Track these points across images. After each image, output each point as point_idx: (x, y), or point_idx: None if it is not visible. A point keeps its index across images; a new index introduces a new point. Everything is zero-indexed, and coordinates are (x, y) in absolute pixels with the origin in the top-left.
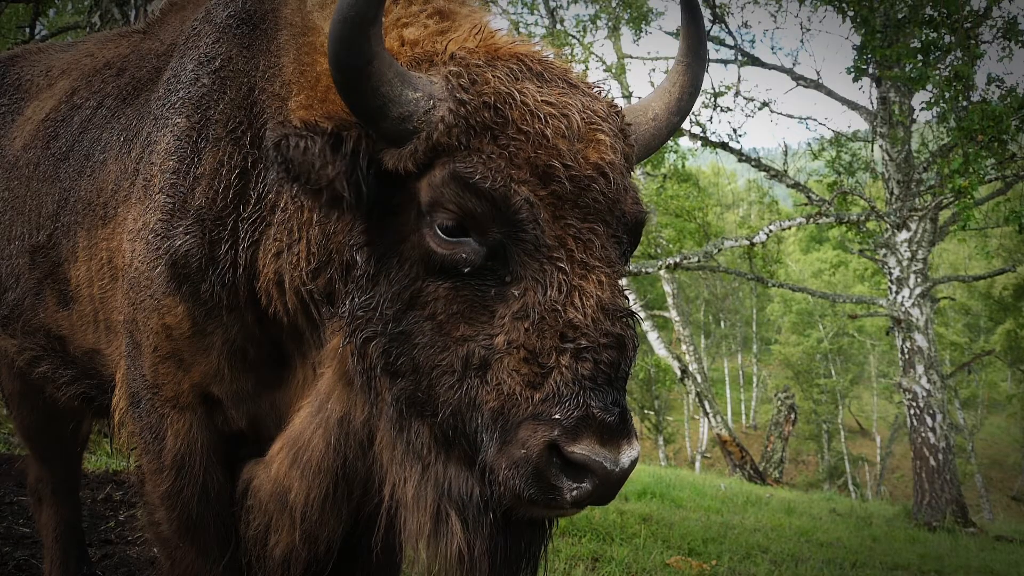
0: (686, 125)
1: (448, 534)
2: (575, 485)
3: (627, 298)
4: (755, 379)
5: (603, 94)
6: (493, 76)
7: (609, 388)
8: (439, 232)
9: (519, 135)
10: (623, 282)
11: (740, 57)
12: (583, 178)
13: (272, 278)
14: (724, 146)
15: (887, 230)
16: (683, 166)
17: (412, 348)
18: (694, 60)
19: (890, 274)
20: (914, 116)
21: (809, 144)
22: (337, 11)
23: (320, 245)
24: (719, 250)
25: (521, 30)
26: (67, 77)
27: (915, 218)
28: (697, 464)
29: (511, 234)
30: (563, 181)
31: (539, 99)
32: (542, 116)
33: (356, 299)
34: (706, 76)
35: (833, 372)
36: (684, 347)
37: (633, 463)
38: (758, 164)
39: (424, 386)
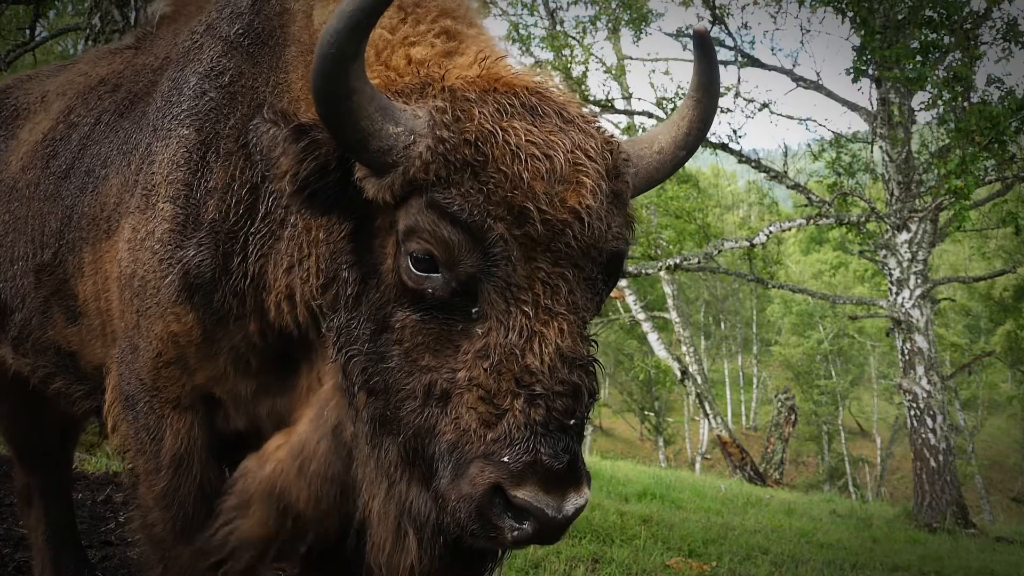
0: None
1: (403, 551)
2: (517, 526)
3: (591, 344)
4: (755, 380)
5: (601, 128)
6: (479, 112)
7: (561, 435)
8: (411, 263)
9: (497, 174)
10: (590, 325)
11: (740, 58)
12: (557, 222)
13: (284, 291)
14: (724, 147)
15: (887, 231)
16: (683, 167)
17: (384, 369)
18: (705, 96)
19: (890, 275)
20: (914, 117)
21: (809, 145)
22: (318, 47)
23: (327, 262)
24: (719, 251)
25: (521, 31)
26: (63, 97)
27: (915, 219)
28: (697, 465)
29: (484, 268)
30: (536, 224)
31: (524, 138)
32: (523, 156)
33: (342, 316)
34: None
35: (833, 373)
36: (684, 348)
37: (579, 510)
38: (758, 165)
39: (392, 406)
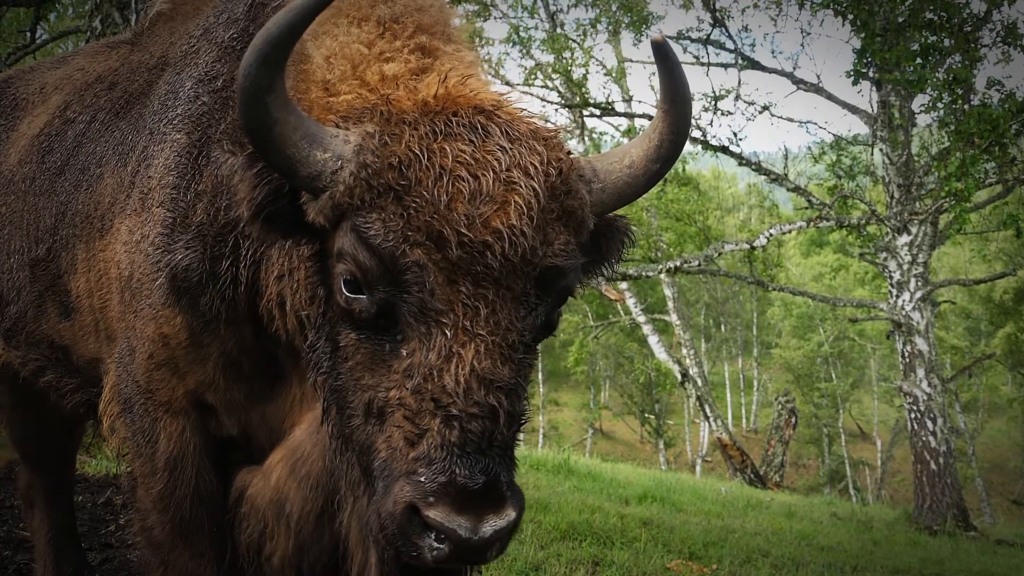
0: None
1: (368, 567)
2: (436, 546)
3: (520, 364)
4: (755, 383)
5: (556, 145)
6: (410, 135)
7: (479, 456)
8: (342, 284)
9: (419, 198)
10: (524, 343)
11: (740, 61)
12: (476, 244)
13: (275, 299)
14: (724, 150)
15: (887, 234)
16: (683, 170)
17: (338, 387)
18: (672, 106)
19: (890, 278)
20: (914, 120)
21: (809, 148)
22: (237, 80)
23: (312, 276)
24: (719, 254)
25: (521, 34)
26: (60, 92)
27: (915, 222)
28: (698, 468)
29: (397, 294)
30: (452, 248)
31: (452, 159)
32: (447, 178)
33: (311, 335)
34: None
35: (834, 376)
36: (684, 351)
37: (498, 532)
38: (758, 168)
39: (346, 423)
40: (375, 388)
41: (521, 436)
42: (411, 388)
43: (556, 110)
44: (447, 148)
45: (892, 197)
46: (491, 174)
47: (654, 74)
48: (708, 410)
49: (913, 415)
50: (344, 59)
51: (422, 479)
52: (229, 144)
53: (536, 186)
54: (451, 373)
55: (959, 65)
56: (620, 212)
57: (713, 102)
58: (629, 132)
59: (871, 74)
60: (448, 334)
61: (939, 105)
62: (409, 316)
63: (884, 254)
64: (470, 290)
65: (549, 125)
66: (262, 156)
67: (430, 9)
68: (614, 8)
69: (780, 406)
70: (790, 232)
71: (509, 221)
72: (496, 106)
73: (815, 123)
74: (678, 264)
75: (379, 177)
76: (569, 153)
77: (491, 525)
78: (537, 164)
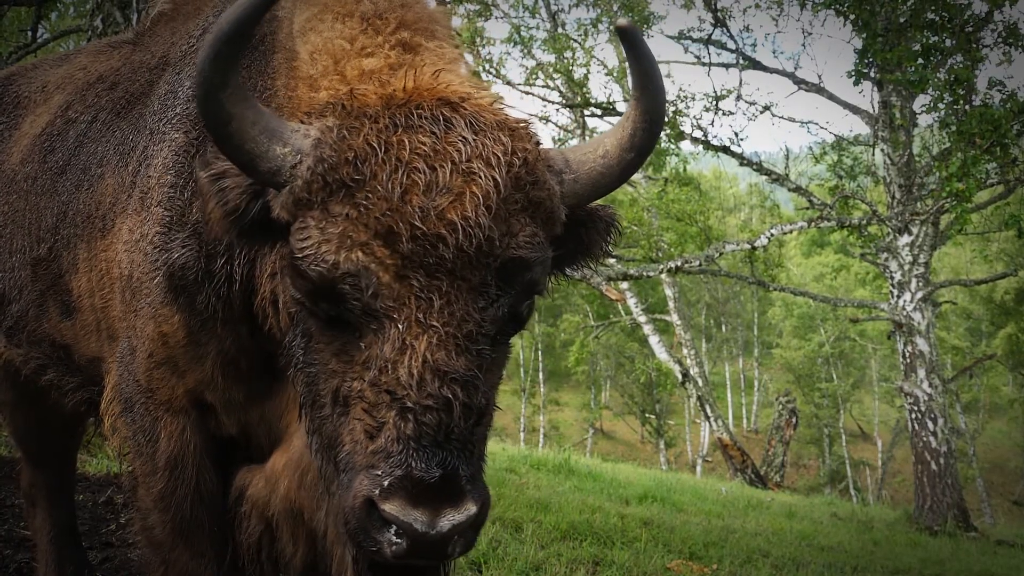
0: (687, 129)
1: (345, 564)
2: (395, 541)
3: (479, 356)
4: (756, 383)
5: (522, 135)
6: (371, 127)
7: (436, 449)
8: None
9: (372, 192)
10: (485, 333)
11: (742, 61)
12: (429, 236)
13: (268, 297)
14: (726, 150)
15: (888, 234)
16: (684, 170)
17: (311, 381)
18: (642, 93)
19: (891, 278)
20: (915, 120)
21: (811, 148)
22: (194, 77)
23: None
24: (720, 254)
25: (523, 33)
26: (62, 91)
27: (917, 222)
28: (698, 468)
29: (337, 306)
30: (405, 241)
31: (409, 151)
32: (402, 171)
33: (290, 333)
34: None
35: (834, 376)
36: (685, 351)
37: (456, 526)
38: (760, 168)
39: (317, 416)
40: (340, 380)
41: (484, 430)
42: (368, 381)
43: (557, 110)
44: (405, 140)
45: (893, 197)
46: (449, 165)
47: None
48: (709, 410)
49: (914, 415)
50: (327, 54)
51: (379, 472)
52: (198, 163)
53: (497, 176)
54: (405, 365)
55: (960, 65)
56: (607, 203)
57: (714, 102)
58: None
59: (872, 74)
60: (401, 327)
61: (940, 105)
62: (357, 317)
63: (885, 254)
64: (423, 282)
65: (519, 115)
66: (222, 152)
67: (414, 6)
68: (615, 8)
69: (781, 406)
70: (791, 232)
71: (465, 212)
72: (464, 98)
73: (816, 123)
74: (679, 264)
75: (335, 172)
76: (538, 144)
77: (449, 519)
78: (500, 154)
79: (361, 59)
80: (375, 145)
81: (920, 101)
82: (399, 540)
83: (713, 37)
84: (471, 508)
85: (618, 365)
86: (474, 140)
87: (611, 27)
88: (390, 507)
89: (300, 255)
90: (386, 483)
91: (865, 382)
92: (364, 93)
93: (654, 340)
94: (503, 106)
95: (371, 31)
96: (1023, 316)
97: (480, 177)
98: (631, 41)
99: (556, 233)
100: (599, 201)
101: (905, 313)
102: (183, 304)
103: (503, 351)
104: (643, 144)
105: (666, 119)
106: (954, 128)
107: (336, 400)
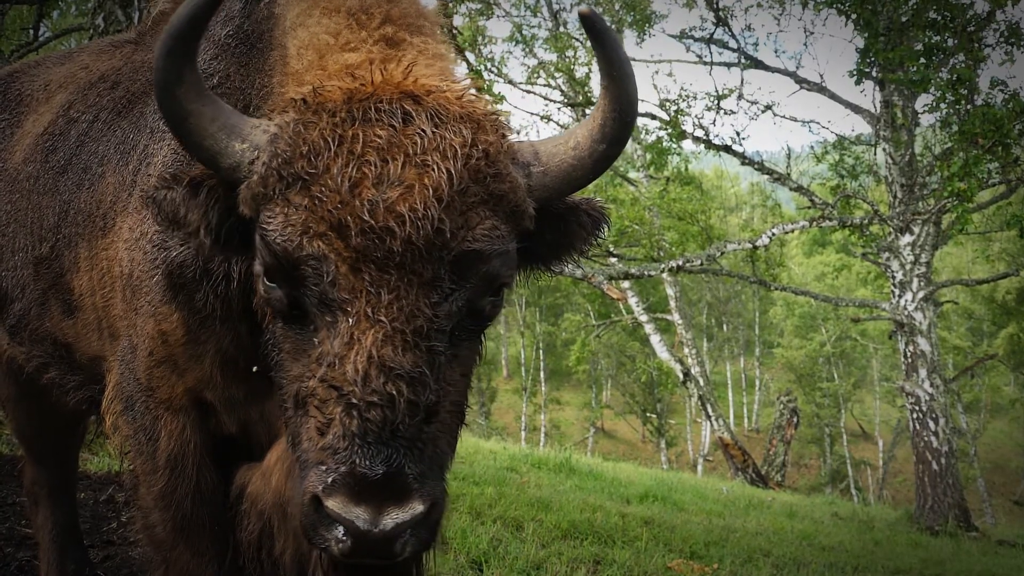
0: (689, 128)
1: (315, 562)
2: (341, 539)
3: (424, 352)
4: (757, 382)
5: (487, 127)
6: (328, 121)
7: (381, 446)
8: (264, 276)
9: (324, 186)
10: (440, 325)
11: (743, 60)
12: (379, 230)
13: (264, 296)
14: (727, 149)
15: (890, 234)
16: (686, 169)
17: (280, 377)
18: (610, 81)
19: (893, 278)
20: (917, 119)
21: (812, 147)
22: (153, 75)
23: None
24: (722, 253)
25: (524, 32)
26: (64, 90)
27: (918, 222)
28: (699, 467)
29: (297, 289)
30: (355, 235)
31: (365, 144)
32: (353, 165)
33: (267, 332)
34: (710, 79)
35: (835, 376)
36: (686, 350)
37: (401, 525)
38: (761, 167)
39: (287, 415)
40: (300, 377)
41: (438, 428)
42: (318, 377)
43: (559, 109)
44: (359, 134)
45: (895, 197)
46: (402, 158)
47: (657, 72)
48: (710, 409)
49: (915, 415)
50: (312, 49)
51: (325, 469)
52: (162, 180)
53: (451, 168)
54: (351, 361)
55: (962, 65)
56: (590, 197)
57: (716, 101)
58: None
59: (874, 74)
60: (351, 321)
61: (942, 105)
62: (315, 307)
63: (887, 254)
64: (373, 276)
65: (489, 108)
66: (184, 148)
67: (401, 1)
68: (617, 7)
69: (782, 406)
70: (792, 232)
71: (414, 205)
72: (430, 91)
73: (818, 122)
74: (680, 263)
75: (290, 166)
76: (504, 136)
77: (392, 518)
78: (458, 146)
79: (344, 54)
80: (328, 139)
81: (922, 101)
82: (345, 538)
83: (715, 36)
84: (417, 507)
85: (619, 364)
86: (432, 133)
87: (612, 26)
88: (332, 503)
89: (267, 227)
90: (330, 479)
91: (866, 382)
92: (329, 88)
93: (655, 339)
94: (474, 98)
95: (356, 26)
96: None
97: (433, 169)
98: (594, 29)
99: (524, 227)
100: (589, 194)
101: (906, 313)
102: (182, 302)
103: (467, 347)
104: (615, 134)
105: (668, 118)
106: (956, 128)
107: (296, 398)
